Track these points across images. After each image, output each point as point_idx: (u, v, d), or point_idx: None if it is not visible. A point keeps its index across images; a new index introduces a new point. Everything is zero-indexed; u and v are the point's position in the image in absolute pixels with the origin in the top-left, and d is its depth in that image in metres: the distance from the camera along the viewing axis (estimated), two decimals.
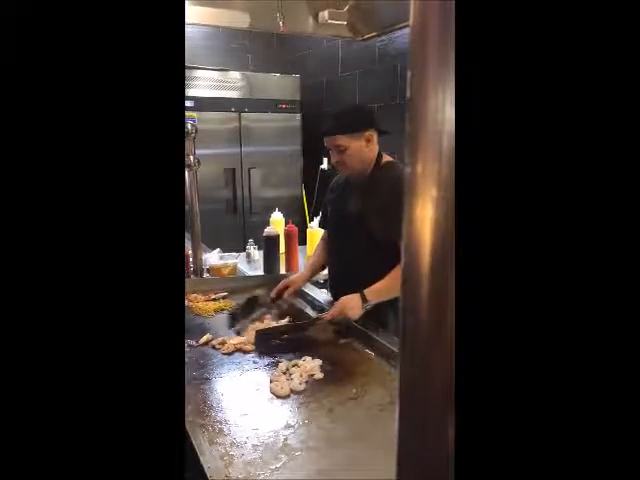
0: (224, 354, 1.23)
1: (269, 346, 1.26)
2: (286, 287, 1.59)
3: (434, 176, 0.25)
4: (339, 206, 1.57)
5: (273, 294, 1.57)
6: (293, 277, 1.66)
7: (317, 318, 1.37)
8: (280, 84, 3.57)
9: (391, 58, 2.91)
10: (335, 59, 3.50)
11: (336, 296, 1.50)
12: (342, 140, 1.41)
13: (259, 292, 1.68)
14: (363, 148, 1.42)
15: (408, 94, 0.29)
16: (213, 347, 1.27)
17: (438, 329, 0.30)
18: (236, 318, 1.45)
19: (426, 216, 0.27)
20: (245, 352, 1.24)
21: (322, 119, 1.50)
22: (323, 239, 1.74)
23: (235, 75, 3.42)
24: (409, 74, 0.29)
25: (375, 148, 1.46)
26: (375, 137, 1.45)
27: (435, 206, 0.25)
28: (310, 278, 1.71)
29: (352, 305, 1.34)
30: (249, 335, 1.30)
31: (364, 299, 1.34)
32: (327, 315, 1.36)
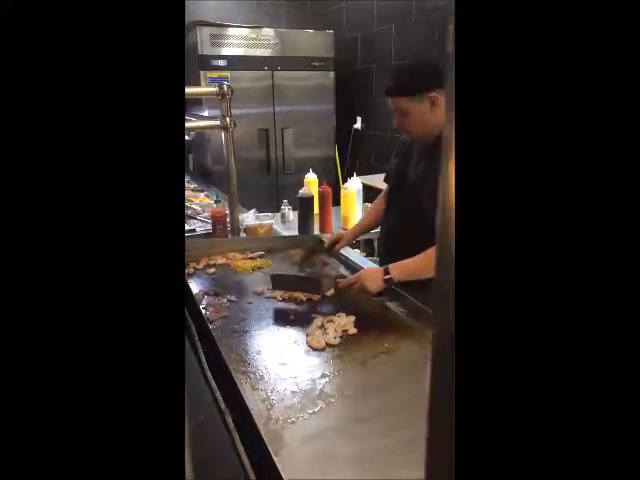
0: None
1: (283, 288, 1.36)
2: (337, 240, 1.66)
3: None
4: (399, 167, 1.51)
5: (326, 246, 1.67)
6: (343, 232, 1.75)
7: (336, 283, 1.37)
8: (314, 41, 3.50)
9: (428, 12, 2.81)
10: (370, 13, 3.39)
11: (381, 257, 1.53)
12: (402, 103, 1.30)
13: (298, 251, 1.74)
14: (426, 112, 1.30)
15: (449, 48, 0.28)
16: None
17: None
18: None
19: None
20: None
21: (388, 77, 1.39)
22: (383, 196, 1.69)
23: (268, 32, 3.37)
24: (450, 28, 0.28)
25: (442, 111, 1.35)
26: (442, 99, 1.28)
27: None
28: (359, 235, 1.77)
29: (372, 279, 1.28)
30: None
31: (387, 273, 1.28)
32: (345, 283, 1.34)
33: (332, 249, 1.67)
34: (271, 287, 1.37)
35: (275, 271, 1.51)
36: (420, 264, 1.27)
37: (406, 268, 1.30)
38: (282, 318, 1.26)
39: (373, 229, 1.77)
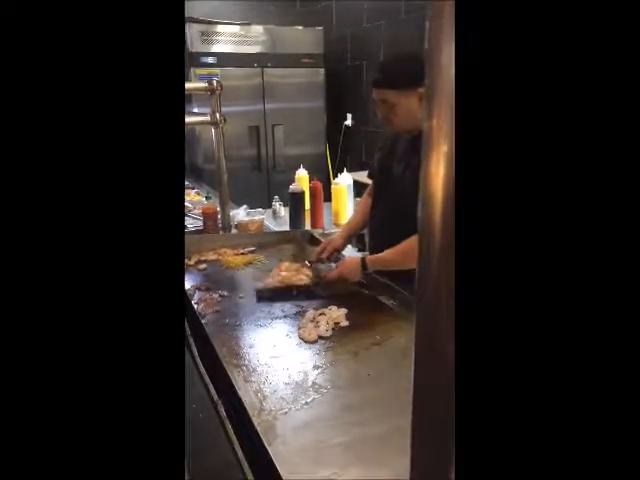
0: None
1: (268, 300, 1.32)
2: (326, 248, 1.57)
3: (447, 131, 0.26)
4: (384, 162, 1.52)
5: (315, 258, 1.56)
6: (332, 237, 1.64)
7: (320, 279, 1.39)
8: (303, 37, 3.50)
9: (417, 8, 2.82)
10: (360, 10, 3.39)
11: (370, 252, 1.52)
12: (390, 95, 1.29)
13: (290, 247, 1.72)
14: (413, 106, 1.30)
15: (426, 45, 0.29)
16: None
17: (448, 278, 0.31)
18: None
19: (439, 171, 0.27)
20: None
21: (376, 68, 1.38)
22: (367, 194, 1.68)
23: (257, 29, 3.36)
24: (427, 25, 0.28)
25: None
26: None
27: (446, 161, 0.26)
28: (349, 237, 1.68)
29: (351, 269, 1.36)
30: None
31: (364, 266, 1.35)
32: (327, 276, 1.38)
33: (321, 260, 1.56)
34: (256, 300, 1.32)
35: (266, 267, 1.50)
36: (395, 255, 1.33)
37: (381, 259, 1.37)
38: (274, 312, 1.26)
39: (363, 229, 1.72)
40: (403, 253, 1.31)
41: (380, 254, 1.36)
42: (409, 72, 1.29)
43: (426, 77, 0.27)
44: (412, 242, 1.28)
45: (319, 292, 1.36)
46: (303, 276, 1.41)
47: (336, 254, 1.58)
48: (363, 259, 1.36)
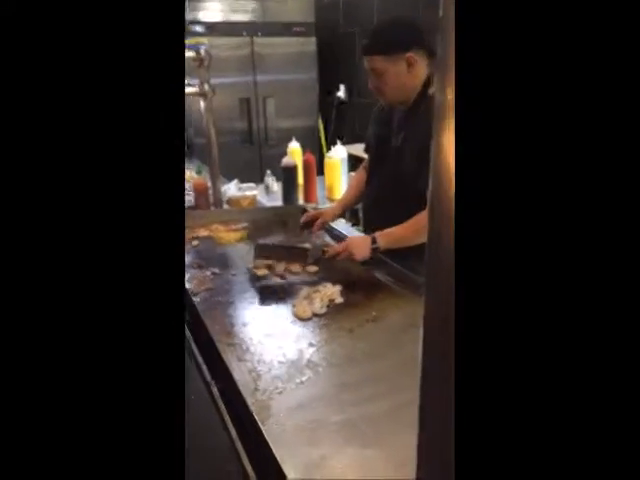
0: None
1: (266, 257, 1.31)
2: (316, 218, 1.55)
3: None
4: (380, 135, 1.46)
5: (302, 222, 1.56)
6: (324, 210, 1.62)
7: (323, 251, 1.34)
8: (293, 5, 3.38)
9: None
10: None
11: (365, 226, 1.48)
12: (378, 62, 1.25)
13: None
14: (402, 73, 1.26)
15: (441, 12, 0.27)
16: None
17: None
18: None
19: (451, 145, 0.25)
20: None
21: (366, 35, 1.34)
22: (363, 168, 1.63)
23: None
24: None
25: (421, 74, 1.28)
26: (421, 60, 1.26)
27: None
28: (342, 213, 1.65)
29: (359, 246, 1.28)
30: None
31: (374, 242, 1.27)
32: (332, 250, 1.32)
33: (309, 227, 1.55)
34: (254, 256, 1.33)
35: (259, 241, 1.47)
36: (406, 232, 1.27)
37: (393, 236, 1.29)
38: (267, 289, 1.24)
39: (357, 204, 1.68)
40: (414, 229, 1.25)
41: (390, 230, 1.29)
42: (395, 37, 1.26)
43: (439, 47, 0.25)
44: (424, 217, 1.24)
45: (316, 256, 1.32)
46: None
47: (325, 225, 1.57)
48: (373, 237, 1.28)
